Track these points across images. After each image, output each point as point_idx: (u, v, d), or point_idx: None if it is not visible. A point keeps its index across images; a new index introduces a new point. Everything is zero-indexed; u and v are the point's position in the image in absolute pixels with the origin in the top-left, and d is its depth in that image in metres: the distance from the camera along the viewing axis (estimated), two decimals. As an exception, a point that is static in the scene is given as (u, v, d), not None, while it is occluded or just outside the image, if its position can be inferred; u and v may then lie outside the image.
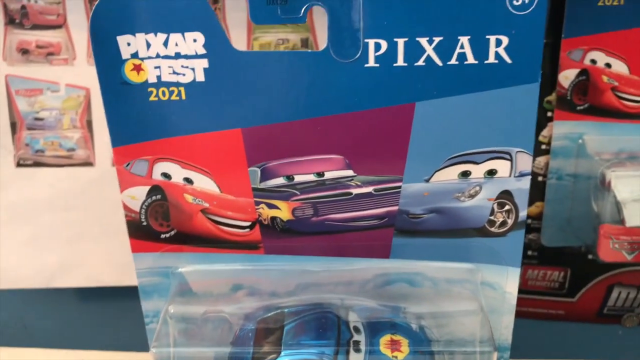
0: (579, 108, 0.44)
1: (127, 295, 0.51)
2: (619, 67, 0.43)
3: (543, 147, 0.46)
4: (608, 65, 0.43)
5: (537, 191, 0.47)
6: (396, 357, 0.31)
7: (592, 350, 0.49)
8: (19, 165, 0.49)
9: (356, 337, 0.31)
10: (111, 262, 0.50)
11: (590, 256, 0.49)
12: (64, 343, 0.53)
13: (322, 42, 0.46)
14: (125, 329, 0.51)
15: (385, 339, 0.31)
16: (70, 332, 0.54)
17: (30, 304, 0.53)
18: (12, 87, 0.48)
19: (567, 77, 0.44)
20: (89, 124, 0.48)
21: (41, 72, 0.47)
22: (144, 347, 0.50)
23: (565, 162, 0.46)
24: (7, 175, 0.49)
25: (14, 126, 0.49)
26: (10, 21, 0.46)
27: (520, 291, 0.49)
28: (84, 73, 0.47)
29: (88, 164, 0.49)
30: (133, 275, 0.50)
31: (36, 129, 0.48)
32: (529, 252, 0.49)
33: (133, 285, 0.50)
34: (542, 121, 0.45)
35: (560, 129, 0.45)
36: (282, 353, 0.30)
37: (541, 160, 0.46)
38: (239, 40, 0.45)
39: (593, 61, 0.43)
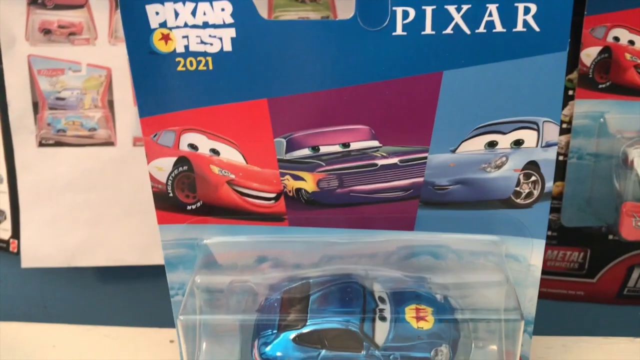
0: (600, 86, 0.44)
1: (147, 274, 0.51)
2: (643, 44, 0.43)
3: (564, 125, 0.46)
4: (631, 42, 0.43)
5: (558, 171, 0.46)
6: (422, 327, 0.31)
7: (613, 330, 0.49)
8: (40, 145, 0.49)
9: (381, 306, 0.31)
10: (132, 242, 0.51)
11: (610, 236, 0.49)
12: (84, 320, 0.53)
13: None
14: (146, 306, 0.52)
15: (410, 308, 0.31)
16: (91, 310, 0.54)
17: (51, 282, 0.54)
18: (34, 67, 0.48)
19: (589, 55, 0.44)
20: (110, 104, 0.49)
21: (63, 52, 0.48)
22: (164, 323, 0.50)
23: (586, 141, 0.45)
24: (29, 155, 0.50)
25: (36, 106, 0.49)
26: (33, 1, 0.47)
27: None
28: (105, 53, 0.48)
29: (109, 143, 0.49)
30: (153, 254, 0.51)
31: (58, 109, 0.49)
32: (549, 233, 0.49)
33: (153, 265, 0.51)
34: (564, 100, 0.45)
35: (582, 108, 0.45)
36: (309, 321, 0.31)
37: (562, 139, 0.46)
38: (260, 17, 0.45)
39: (616, 38, 0.43)
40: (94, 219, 0.50)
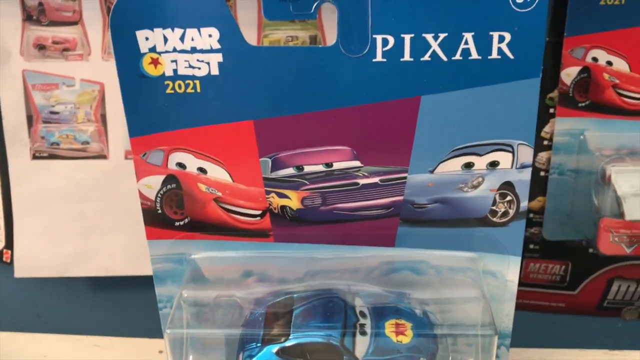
0: (580, 105, 0.45)
1: (139, 284, 0.52)
2: (620, 65, 0.44)
3: (545, 142, 0.47)
4: (609, 63, 0.44)
5: (539, 186, 0.48)
6: (401, 341, 0.32)
7: (592, 343, 0.50)
8: (34, 157, 0.50)
9: (362, 320, 0.32)
10: (124, 252, 0.51)
11: (590, 250, 0.50)
12: (76, 330, 0.54)
13: (330, 39, 0.47)
14: (137, 316, 0.52)
15: (390, 323, 0.32)
16: (83, 320, 0.55)
17: (44, 292, 0.54)
18: (28, 82, 0.49)
19: (569, 74, 0.45)
20: (103, 118, 0.49)
21: (57, 68, 0.48)
22: (153, 333, 0.51)
23: (566, 158, 0.46)
24: (23, 167, 0.50)
25: (30, 120, 0.50)
26: (28, 17, 0.47)
27: (521, 284, 0.50)
28: (98, 68, 0.48)
29: (102, 156, 0.50)
30: (145, 265, 0.51)
31: (52, 123, 0.49)
32: (531, 246, 0.50)
33: (144, 275, 0.52)
34: (545, 117, 0.46)
35: (562, 125, 0.46)
36: (292, 335, 0.32)
37: (543, 155, 0.47)
38: (249, 37, 0.45)
39: (594, 59, 0.44)
40: (87, 229, 0.51)
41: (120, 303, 0.54)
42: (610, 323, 0.52)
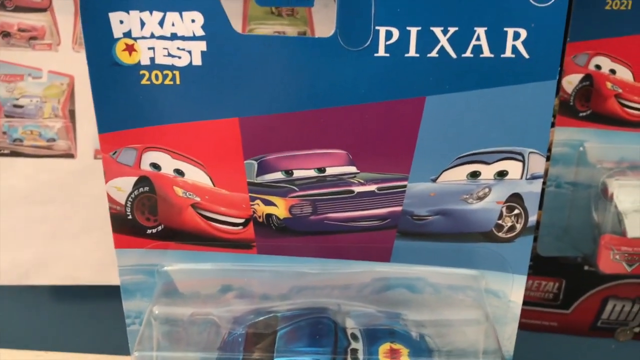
0: (581, 114, 0.43)
1: (105, 294, 0.49)
2: (624, 73, 0.42)
3: (543, 153, 0.45)
4: (613, 71, 0.43)
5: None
6: (396, 367, 0.29)
7: (585, 364, 0.49)
8: (-5, 154, 0.47)
9: (354, 344, 0.29)
10: (89, 260, 0.49)
11: (586, 267, 0.48)
12: (35, 344, 0.50)
13: (320, 34, 0.45)
14: (103, 330, 0.49)
15: (384, 348, 0.29)
16: (43, 332, 0.52)
17: (1, 302, 0.51)
18: (-9, 72, 0.46)
19: (570, 82, 0.43)
20: (72, 114, 0.47)
21: (23, 57, 0.45)
22: (120, 350, 0.48)
23: (565, 170, 0.45)
24: (-19, 164, 0.47)
25: (-9, 113, 0.46)
26: (-8, 2, 0.44)
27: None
28: (68, 60, 0.46)
29: (69, 155, 0.47)
30: (112, 273, 0.48)
31: (15, 117, 0.47)
32: (524, 262, 0.48)
33: (111, 284, 0.48)
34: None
35: (561, 135, 0.44)
36: (275, 360, 0.28)
37: (540, 166, 0.45)
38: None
39: (598, 67, 0.43)
40: (50, 234, 0.48)
41: (84, 315, 0.51)
42: (604, 344, 0.51)
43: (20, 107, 0.47)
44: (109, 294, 0.48)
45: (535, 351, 0.50)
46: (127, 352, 0.47)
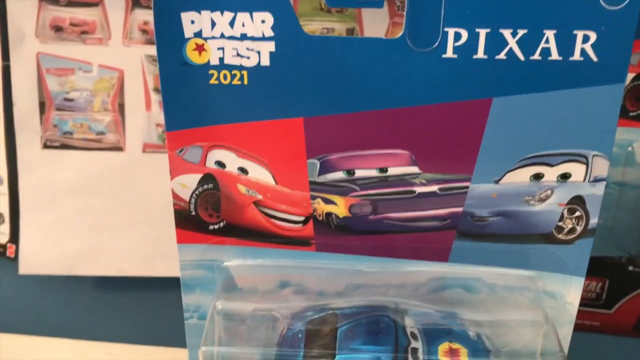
0: (631, 114, 0.43)
1: (149, 286, 0.49)
2: (676, 73, 0.42)
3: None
4: (665, 71, 0.42)
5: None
6: (455, 367, 0.29)
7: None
8: (45, 146, 0.48)
9: (414, 344, 0.29)
10: (135, 252, 0.49)
11: (630, 267, 0.47)
12: (79, 333, 0.51)
13: (368, 32, 0.45)
14: (149, 322, 0.50)
15: (443, 347, 0.29)
16: (87, 323, 0.52)
17: (49, 292, 0.52)
18: (43, 66, 0.46)
19: (621, 81, 0.42)
20: (121, 107, 0.47)
21: (74, 51, 0.46)
22: (168, 342, 0.48)
23: (612, 169, 0.44)
24: (33, 156, 0.48)
25: (42, 106, 0.47)
26: (45, -3, 0.45)
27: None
28: (118, 54, 0.46)
29: (117, 148, 0.48)
30: (156, 265, 0.49)
31: (65, 110, 0.47)
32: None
33: (155, 277, 0.49)
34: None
35: (610, 135, 0.44)
36: (337, 357, 0.29)
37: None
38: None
39: (650, 66, 0.42)
40: (98, 226, 0.49)
41: (130, 306, 0.52)
42: (647, 345, 0.50)
43: (71, 100, 0.47)
44: (151, 286, 0.49)
45: (577, 351, 0.50)
46: (172, 344, 0.47)
